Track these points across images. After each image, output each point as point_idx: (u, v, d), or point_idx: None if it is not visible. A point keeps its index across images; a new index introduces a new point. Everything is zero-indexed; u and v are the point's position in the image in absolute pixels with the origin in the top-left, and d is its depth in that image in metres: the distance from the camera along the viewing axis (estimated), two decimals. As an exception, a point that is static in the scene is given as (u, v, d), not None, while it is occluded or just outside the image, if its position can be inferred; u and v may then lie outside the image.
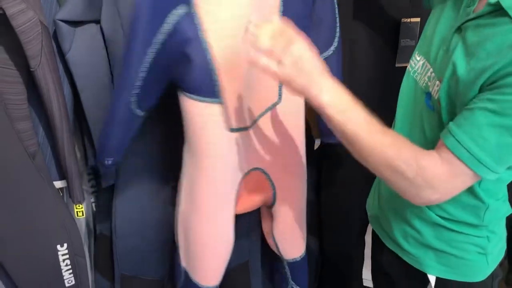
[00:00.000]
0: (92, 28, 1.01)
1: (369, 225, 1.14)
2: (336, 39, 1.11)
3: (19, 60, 0.98)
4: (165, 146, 1.16)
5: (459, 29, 0.83)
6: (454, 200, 0.86)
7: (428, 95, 0.88)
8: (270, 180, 1.11)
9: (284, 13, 0.98)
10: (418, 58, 0.94)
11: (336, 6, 1.10)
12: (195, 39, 0.91)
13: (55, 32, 0.98)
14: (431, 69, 0.88)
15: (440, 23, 0.89)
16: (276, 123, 1.08)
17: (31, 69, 0.94)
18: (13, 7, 0.88)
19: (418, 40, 1.01)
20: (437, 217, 0.92)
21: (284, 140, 1.10)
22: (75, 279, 1.14)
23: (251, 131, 1.05)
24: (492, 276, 0.97)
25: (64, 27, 0.97)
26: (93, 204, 1.28)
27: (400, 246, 1.00)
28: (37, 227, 1.07)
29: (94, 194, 1.28)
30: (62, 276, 1.13)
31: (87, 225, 1.26)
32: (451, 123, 0.79)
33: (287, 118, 1.07)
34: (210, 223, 1.07)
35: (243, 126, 1.02)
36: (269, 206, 1.17)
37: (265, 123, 1.06)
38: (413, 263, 0.98)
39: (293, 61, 0.79)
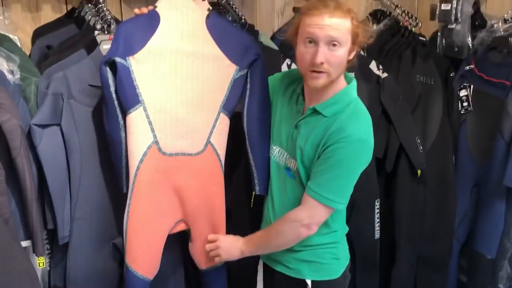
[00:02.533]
0: (55, 129, 1.47)
1: (260, 259, 1.60)
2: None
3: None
4: (107, 212, 1.57)
5: (296, 126, 1.39)
6: (317, 233, 1.39)
7: (288, 169, 1.43)
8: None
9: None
10: (274, 147, 1.48)
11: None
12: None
13: (29, 131, 1.43)
14: (285, 153, 1.43)
15: (282, 123, 1.45)
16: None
17: (13, 157, 1.36)
18: (3, 116, 1.32)
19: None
20: (308, 246, 1.43)
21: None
22: (35, 320, 1.46)
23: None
24: (344, 275, 1.48)
25: (36, 128, 1.43)
26: (48, 264, 1.63)
27: (286, 266, 1.47)
28: (8, 276, 1.39)
29: (49, 255, 1.64)
30: (26, 318, 1.44)
31: (43, 279, 1.60)
32: (309, 182, 1.34)
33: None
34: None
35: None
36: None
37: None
38: (296, 275, 1.46)
39: (224, 252, 1.47)
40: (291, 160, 1.40)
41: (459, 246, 2.16)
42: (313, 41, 1.26)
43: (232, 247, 1.46)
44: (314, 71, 1.28)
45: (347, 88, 1.35)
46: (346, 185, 1.33)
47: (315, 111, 1.35)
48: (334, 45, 1.25)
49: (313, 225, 1.35)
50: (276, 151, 1.46)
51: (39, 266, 1.48)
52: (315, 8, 1.26)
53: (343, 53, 1.27)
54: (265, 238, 1.42)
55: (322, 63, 1.25)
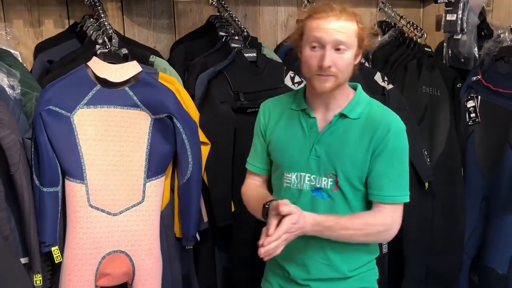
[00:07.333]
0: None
1: None
2: (188, 173, 1.58)
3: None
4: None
5: (318, 142, 1.32)
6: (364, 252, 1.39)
7: (317, 190, 1.33)
8: (132, 261, 1.54)
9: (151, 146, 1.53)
10: (288, 175, 1.36)
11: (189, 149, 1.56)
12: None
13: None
14: (307, 175, 1.33)
15: (291, 147, 1.36)
16: (141, 215, 1.54)
17: (11, 173, 1.34)
18: (3, 132, 1.31)
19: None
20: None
21: (147, 230, 1.54)
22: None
23: (117, 218, 1.50)
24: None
25: (28, 142, 1.42)
26: (49, 280, 1.61)
27: None
28: (7, 291, 1.39)
29: (49, 272, 1.61)
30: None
31: (43, 295, 1.57)
32: (377, 191, 1.30)
33: (150, 214, 1.54)
34: None
35: (108, 211, 1.49)
36: (130, 283, 1.56)
37: (131, 215, 1.51)
38: None
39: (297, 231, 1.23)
40: (322, 179, 1.33)
41: (469, 261, 2.11)
42: (320, 44, 1.24)
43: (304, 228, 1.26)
44: (321, 75, 1.26)
45: (359, 91, 1.37)
46: (407, 174, 1.34)
47: (341, 116, 1.32)
48: (341, 48, 1.24)
49: (399, 226, 1.34)
50: (292, 178, 1.36)
51: (35, 284, 1.45)
52: (322, 11, 1.24)
53: (349, 56, 1.26)
54: (350, 232, 1.29)
55: (329, 67, 1.24)
